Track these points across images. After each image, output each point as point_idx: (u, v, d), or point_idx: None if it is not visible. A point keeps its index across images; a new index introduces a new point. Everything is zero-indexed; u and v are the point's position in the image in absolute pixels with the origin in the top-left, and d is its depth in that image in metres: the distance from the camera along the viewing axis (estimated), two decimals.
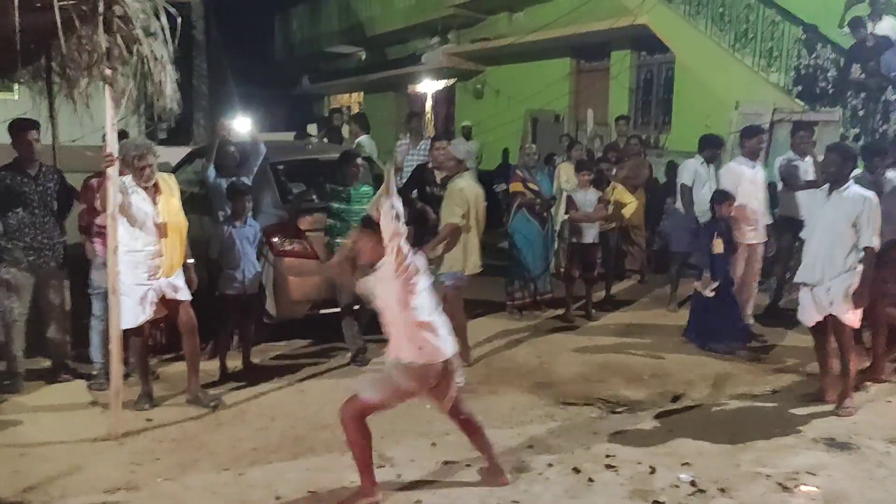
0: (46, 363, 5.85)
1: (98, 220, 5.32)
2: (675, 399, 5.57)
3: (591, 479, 4.21)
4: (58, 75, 6.32)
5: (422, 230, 6.75)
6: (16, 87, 10.35)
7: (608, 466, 4.37)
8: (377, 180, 6.99)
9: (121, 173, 4.77)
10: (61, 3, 4.13)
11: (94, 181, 5.56)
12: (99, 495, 3.96)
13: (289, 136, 11.74)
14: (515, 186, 7.79)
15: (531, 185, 7.74)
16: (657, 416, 5.21)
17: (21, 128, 5.51)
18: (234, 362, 6.06)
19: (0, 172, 5.47)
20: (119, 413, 4.76)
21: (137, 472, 4.23)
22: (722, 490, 4.11)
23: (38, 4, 4.21)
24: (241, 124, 6.70)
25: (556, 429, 5.01)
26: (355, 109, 18.42)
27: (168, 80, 4.56)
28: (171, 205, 5.08)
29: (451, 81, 16.94)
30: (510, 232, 7.90)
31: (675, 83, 12.47)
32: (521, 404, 5.48)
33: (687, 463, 4.42)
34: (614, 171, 9.11)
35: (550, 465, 4.41)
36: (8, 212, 5.42)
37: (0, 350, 5.61)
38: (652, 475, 4.27)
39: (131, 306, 4.87)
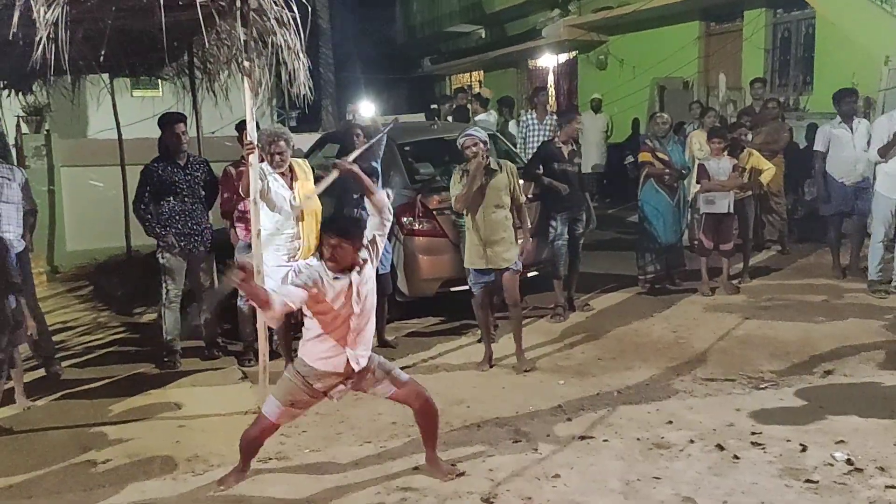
0: (200, 342, 6.23)
1: (240, 206, 5.60)
2: (826, 374, 5.28)
3: (736, 457, 4.06)
4: (199, 70, 6.70)
5: (549, 203, 6.71)
6: (161, 85, 11.04)
7: (754, 444, 4.20)
8: (504, 156, 6.99)
9: (260, 160, 4.99)
10: (202, 0, 4.35)
11: (231, 169, 5.84)
12: (254, 464, 4.19)
13: (418, 116, 11.91)
14: (644, 157, 7.56)
15: (661, 155, 7.48)
16: (806, 392, 4.95)
17: (170, 121, 5.85)
18: None
19: (153, 164, 5.84)
20: (267, 388, 5.00)
21: (286, 444, 4.45)
22: (881, 469, 3.86)
23: (181, 3, 4.45)
24: (367, 110, 6.85)
25: (695, 405, 4.86)
26: (476, 88, 18.40)
27: (301, 68, 4.72)
28: (306, 188, 5.26)
29: (573, 54, 16.60)
30: (640, 204, 7.69)
31: (816, 41, 11.68)
32: (658, 379, 5.35)
33: (841, 441, 4.17)
34: (750, 136, 8.66)
35: (692, 441, 4.28)
36: (161, 200, 5.78)
37: (157, 330, 6.04)
38: (803, 453, 4.07)
39: (273, 287, 5.09)
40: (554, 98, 16.69)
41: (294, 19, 4.64)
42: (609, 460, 4.13)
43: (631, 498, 3.73)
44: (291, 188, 5.24)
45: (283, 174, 5.23)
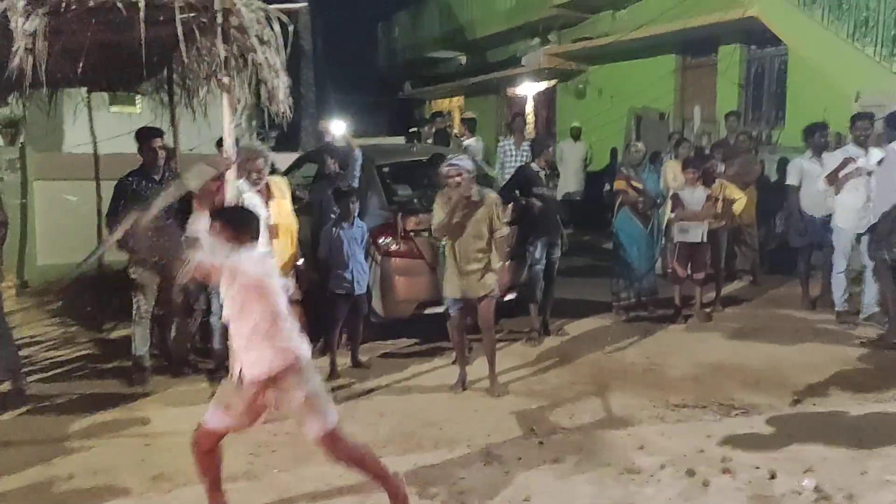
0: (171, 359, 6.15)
1: None
2: (795, 402, 5.33)
3: (706, 483, 4.07)
4: (178, 86, 6.68)
5: (526, 227, 6.75)
6: (139, 101, 10.99)
7: (724, 470, 4.21)
8: (484, 182, 7.02)
9: (237, 177, 4.97)
10: (182, 17, 4.36)
11: (212, 185, 5.79)
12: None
13: (397, 139, 11.97)
14: (619, 185, 7.65)
15: (635, 184, 7.58)
16: (775, 420, 4.99)
17: (147, 136, 5.84)
18: (343, 360, 6.20)
19: (128, 179, 5.80)
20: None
21: (255, 464, 4.40)
22: (849, 497, 3.89)
23: (161, 18, 4.45)
24: (338, 128, 6.87)
25: (667, 430, 4.88)
26: (456, 114, 18.53)
27: (281, 86, 4.73)
28: (282, 207, 5.26)
29: (553, 82, 16.80)
30: (614, 231, 7.76)
31: (789, 76, 11.93)
32: (631, 405, 5.36)
33: (809, 469, 4.20)
34: (722, 168, 8.79)
35: (663, 466, 4.29)
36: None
37: (128, 347, 5.95)
38: (772, 480, 4.08)
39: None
40: (532, 125, 16.85)
41: (275, 37, 4.66)
42: (580, 484, 4.12)
43: None
44: (267, 206, 5.22)
45: (259, 192, 5.22)
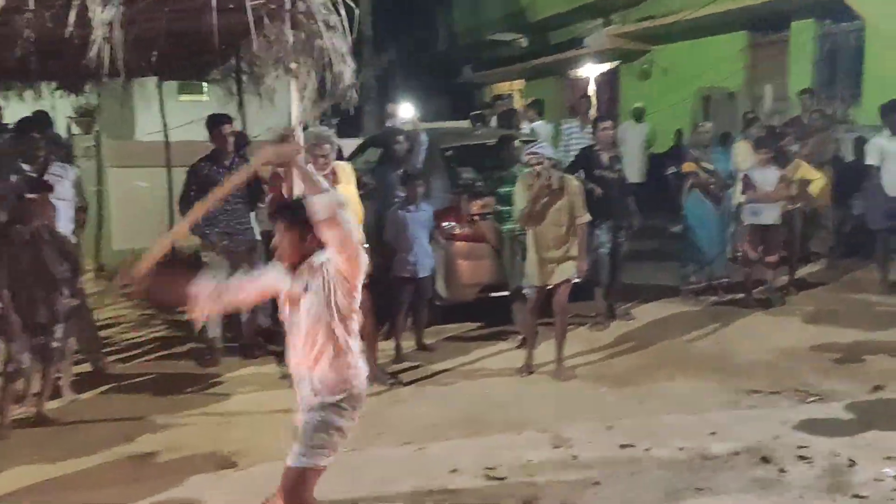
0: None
1: None
2: (876, 389, 5.14)
3: (782, 470, 3.97)
4: (245, 73, 6.79)
5: (590, 210, 6.64)
6: (206, 89, 11.21)
7: (801, 458, 4.10)
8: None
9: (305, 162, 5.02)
10: (253, 3, 4.41)
11: (280, 171, 5.88)
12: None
13: (459, 123, 11.93)
14: (688, 166, 7.48)
15: (705, 165, 7.39)
16: (854, 407, 4.83)
17: (217, 122, 5.95)
18: (408, 343, 6.24)
19: (199, 165, 5.93)
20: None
21: None
22: None
23: (231, 6, 4.51)
24: (405, 112, 6.87)
25: (740, 416, 4.78)
26: (517, 97, 18.36)
27: (347, 71, 4.75)
28: (348, 192, 5.28)
29: (615, 64, 16.49)
30: (683, 214, 7.60)
31: (866, 52, 11.44)
32: (702, 390, 5.27)
33: (891, 457, 4.06)
34: (797, 147, 8.51)
35: (736, 453, 4.20)
36: (205, 199, 5.84)
37: (200, 329, 6.10)
38: (851, 468, 3.96)
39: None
40: (595, 108, 16.58)
41: (341, 22, 4.68)
42: (652, 469, 4.07)
43: None
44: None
45: (325, 177, 5.25)
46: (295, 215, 3.00)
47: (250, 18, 4.38)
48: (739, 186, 7.65)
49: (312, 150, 5.19)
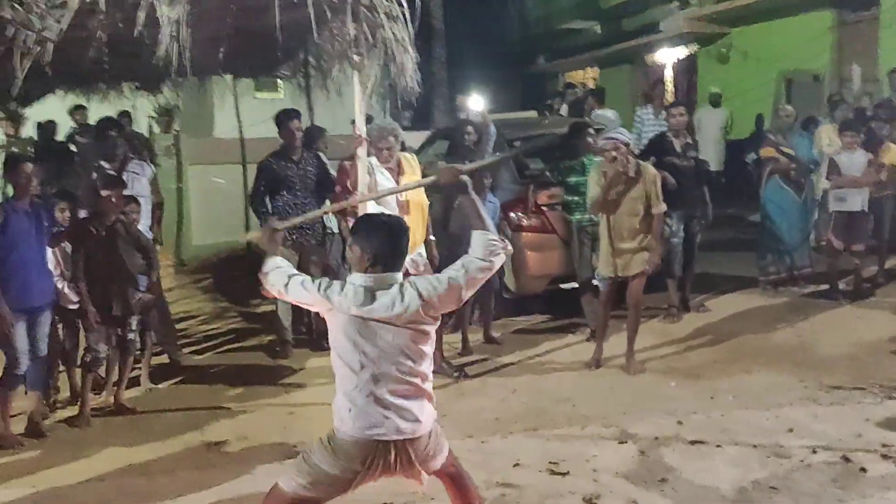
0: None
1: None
2: None
3: (863, 469, 3.77)
4: (314, 68, 6.87)
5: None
6: (281, 86, 11.42)
7: (885, 456, 3.89)
8: None
9: (369, 155, 5.05)
10: None
11: (347, 164, 5.92)
12: None
13: (529, 114, 11.81)
14: (767, 152, 7.18)
15: (785, 150, 7.08)
16: None
17: (285, 118, 6.04)
18: (476, 335, 6.20)
19: (268, 160, 6.03)
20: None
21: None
22: None
23: (295, 1, 4.56)
24: (475, 104, 6.81)
25: (820, 413, 4.56)
26: (590, 85, 18.05)
27: (409, 61, 4.74)
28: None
29: (693, 48, 16.00)
30: (762, 201, 7.30)
31: None
32: (779, 385, 5.05)
33: None
34: (887, 130, 8.05)
35: (814, 451, 4.01)
36: (276, 194, 5.96)
37: (271, 321, 6.22)
38: None
39: None
40: (672, 94, 16.14)
41: (403, 13, 4.67)
42: (722, 466, 3.93)
43: None
44: (398, 182, 5.26)
45: (390, 169, 5.27)
46: (367, 233, 2.76)
47: (311, 13, 4.41)
48: (824, 172, 7.32)
49: (376, 143, 5.20)
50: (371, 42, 4.73)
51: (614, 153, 5.31)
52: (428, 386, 2.79)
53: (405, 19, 4.67)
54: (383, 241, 2.73)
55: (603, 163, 5.48)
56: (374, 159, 5.22)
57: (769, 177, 7.19)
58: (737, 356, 5.65)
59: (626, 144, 5.39)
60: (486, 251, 2.81)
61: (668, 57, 16.75)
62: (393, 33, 4.66)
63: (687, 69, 16.53)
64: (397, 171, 5.32)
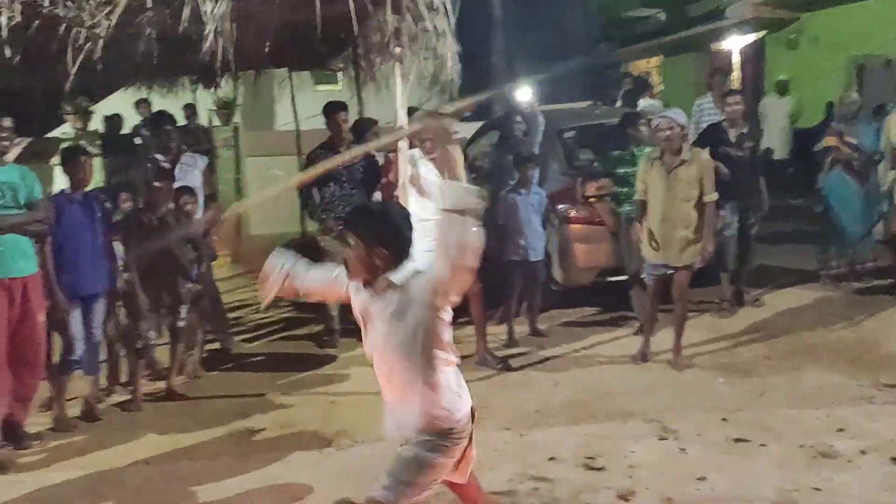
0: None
1: (396, 192, 5.71)
2: None
3: None
4: (363, 60, 6.92)
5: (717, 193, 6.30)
6: (340, 78, 11.55)
7: None
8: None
9: (411, 146, 5.06)
10: None
11: (391, 155, 5.96)
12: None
13: (584, 104, 11.66)
14: (829, 141, 6.91)
15: (848, 139, 6.80)
16: None
17: (331, 110, 6.11)
18: (522, 327, 6.17)
19: (316, 151, 6.11)
20: None
21: None
22: None
23: None
24: (522, 95, 6.74)
25: (874, 412, 4.38)
26: (654, 74, 17.71)
27: (449, 52, 4.73)
28: (455, 175, 5.25)
29: (761, 34, 15.49)
30: (824, 192, 7.04)
31: None
32: (832, 384, 4.87)
33: None
34: None
35: (864, 452, 3.86)
36: (323, 186, 6.04)
37: (319, 311, 6.31)
38: None
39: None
40: (740, 82, 15.67)
41: (444, 5, 4.66)
42: (764, 466, 3.82)
43: None
44: (443, 175, 5.26)
45: (433, 160, 5.27)
46: (363, 224, 2.62)
47: (352, 6, 4.44)
48: (892, 161, 7.00)
49: (419, 134, 5.21)
50: (412, 33, 4.75)
51: (668, 132, 5.19)
52: None
53: (446, 10, 4.68)
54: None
55: (651, 151, 5.37)
56: (417, 151, 5.24)
57: (831, 167, 6.92)
58: (790, 353, 5.47)
59: (682, 127, 5.27)
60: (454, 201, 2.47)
61: (735, 44, 16.26)
62: (434, 25, 4.66)
63: (754, 56, 16.02)
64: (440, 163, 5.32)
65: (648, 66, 19.35)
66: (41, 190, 4.39)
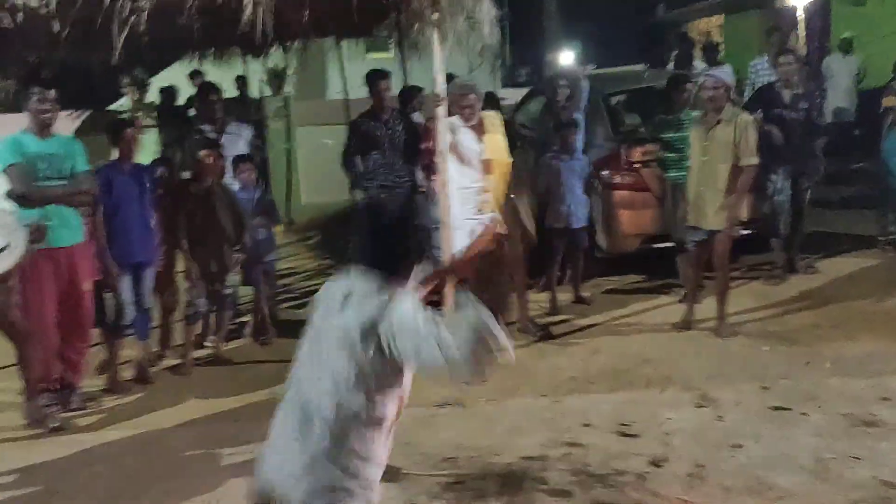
0: None
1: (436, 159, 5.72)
2: None
3: None
4: (405, 27, 6.90)
5: (767, 154, 6.12)
6: (391, 47, 11.54)
7: None
8: None
9: (450, 114, 5.05)
10: None
11: (430, 123, 5.96)
12: (430, 408, 4.34)
13: (635, 67, 11.41)
14: (889, 101, 6.64)
15: None
16: None
17: (374, 78, 6.12)
18: (565, 295, 6.14)
19: (358, 119, 6.16)
20: None
21: (465, 392, 4.54)
22: None
23: None
24: (566, 59, 6.64)
25: None
26: (715, 34, 17.16)
27: (486, 16, 4.67)
28: (494, 142, 5.24)
29: None
30: (884, 155, 6.77)
31: None
32: (882, 353, 4.74)
33: None
34: None
35: None
36: (365, 154, 6.08)
37: None
38: None
39: (462, 239, 5.17)
40: (804, 41, 15.06)
41: None
42: (804, 435, 3.76)
43: (820, 477, 3.37)
44: (480, 141, 5.24)
45: (472, 127, 5.25)
46: None
47: None
48: None
49: (458, 102, 5.19)
50: None
51: (711, 91, 5.07)
52: None
53: None
54: None
55: (699, 117, 5.25)
56: (456, 119, 5.22)
57: (890, 128, 6.64)
58: (841, 321, 5.32)
59: (727, 87, 5.14)
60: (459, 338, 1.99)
61: (799, 0, 15.62)
62: None
63: (820, 12, 15.37)
64: (479, 130, 5.30)
65: (710, 25, 18.76)
66: (86, 161, 4.52)
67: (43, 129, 4.39)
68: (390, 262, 2.24)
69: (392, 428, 2.27)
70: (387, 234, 2.29)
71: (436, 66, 4.83)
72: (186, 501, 3.40)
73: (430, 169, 6.04)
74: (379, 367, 2.11)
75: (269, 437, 2.31)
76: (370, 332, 2.08)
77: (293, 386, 2.34)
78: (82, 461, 3.98)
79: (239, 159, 5.72)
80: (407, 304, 2.10)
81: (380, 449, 2.23)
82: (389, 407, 2.20)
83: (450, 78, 5.39)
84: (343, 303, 2.18)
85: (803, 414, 3.96)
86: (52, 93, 4.41)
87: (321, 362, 2.21)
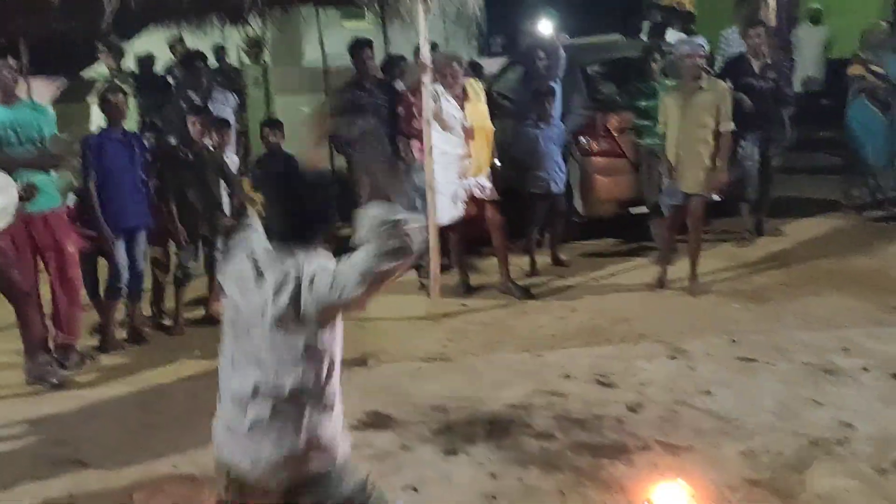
0: None
1: (415, 124, 5.86)
2: None
3: None
4: None
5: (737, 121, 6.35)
6: (367, 14, 11.57)
7: None
8: None
9: (434, 81, 5.20)
10: None
11: (404, 91, 6.09)
12: (417, 362, 4.56)
13: (612, 37, 11.55)
14: (855, 70, 6.89)
15: (874, 68, 6.77)
16: None
17: (356, 47, 6.24)
18: (544, 258, 6.35)
19: (344, 88, 6.27)
20: (437, 297, 5.37)
21: (449, 347, 4.76)
22: None
23: None
24: (544, 28, 6.79)
25: (881, 334, 4.54)
26: (687, 4, 17.28)
27: None
28: (476, 109, 5.42)
29: None
30: (846, 121, 7.04)
31: None
32: (845, 308, 5.03)
33: None
34: None
35: (865, 369, 4.05)
36: (350, 122, 6.20)
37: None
38: None
39: (445, 204, 5.37)
40: (774, 11, 15.29)
41: None
42: (769, 382, 4.03)
43: (783, 418, 3.63)
44: (463, 108, 5.41)
45: (455, 95, 5.41)
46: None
47: None
48: None
49: (441, 70, 5.35)
50: None
51: (689, 60, 5.28)
52: None
53: None
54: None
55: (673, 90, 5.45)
56: (439, 86, 5.38)
57: (856, 96, 6.91)
58: (807, 280, 5.60)
59: (705, 55, 5.35)
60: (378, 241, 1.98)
61: None
62: None
63: None
64: (462, 98, 5.46)
65: None
66: (54, 127, 4.58)
67: (6, 95, 4.44)
68: (301, 230, 2.13)
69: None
70: (296, 200, 2.13)
71: (421, 35, 5.00)
72: (191, 449, 3.56)
73: (409, 135, 6.21)
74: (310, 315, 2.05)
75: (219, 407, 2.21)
76: (286, 288, 2.04)
77: (226, 359, 2.23)
78: (86, 414, 4.14)
79: (217, 122, 5.78)
80: (319, 259, 2.10)
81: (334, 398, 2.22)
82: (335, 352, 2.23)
83: (434, 47, 5.54)
84: (257, 279, 2.10)
85: (769, 364, 4.22)
86: (11, 60, 4.45)
87: (250, 339, 2.11)
